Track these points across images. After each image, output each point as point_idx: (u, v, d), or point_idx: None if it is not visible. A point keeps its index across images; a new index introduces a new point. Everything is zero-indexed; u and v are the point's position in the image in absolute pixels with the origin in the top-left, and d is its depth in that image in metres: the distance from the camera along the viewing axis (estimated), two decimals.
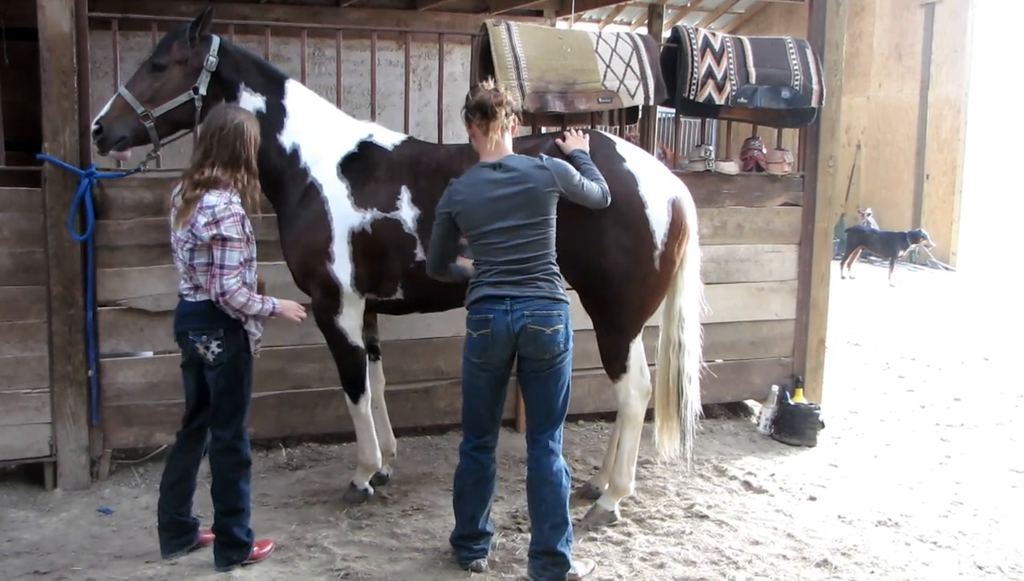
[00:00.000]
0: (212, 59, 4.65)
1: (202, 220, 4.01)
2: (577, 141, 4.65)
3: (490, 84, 4.24)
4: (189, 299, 4.19)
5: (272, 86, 4.81)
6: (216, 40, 4.71)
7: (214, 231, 4.00)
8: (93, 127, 4.68)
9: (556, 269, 4.17)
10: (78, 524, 4.82)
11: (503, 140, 4.18)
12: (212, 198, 4.04)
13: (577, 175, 4.26)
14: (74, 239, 5.01)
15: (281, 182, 4.79)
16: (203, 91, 4.65)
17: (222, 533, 4.27)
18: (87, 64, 5.11)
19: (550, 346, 4.06)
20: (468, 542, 4.33)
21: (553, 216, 4.15)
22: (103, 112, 4.62)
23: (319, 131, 4.84)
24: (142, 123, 4.61)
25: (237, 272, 4.06)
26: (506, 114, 4.16)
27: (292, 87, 4.88)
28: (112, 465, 5.44)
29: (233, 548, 4.27)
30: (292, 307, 4.35)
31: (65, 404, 5.15)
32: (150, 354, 5.45)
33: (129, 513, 4.95)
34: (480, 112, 4.12)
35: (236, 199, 4.10)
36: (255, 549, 4.35)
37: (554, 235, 4.17)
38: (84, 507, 5.01)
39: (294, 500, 5.09)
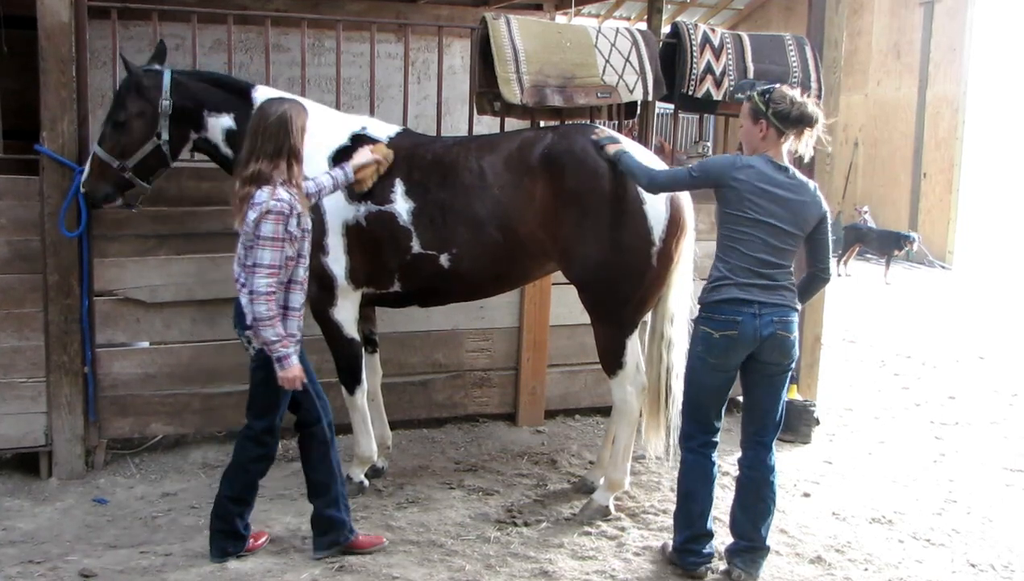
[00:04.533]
0: (166, 103, 4.66)
1: (252, 215, 3.96)
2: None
3: (812, 98, 4.19)
4: (241, 295, 4.12)
5: (238, 100, 4.80)
6: (167, 76, 4.69)
7: (256, 230, 3.95)
8: (81, 190, 4.82)
9: (794, 280, 4.21)
10: (73, 514, 4.82)
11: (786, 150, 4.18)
12: (262, 194, 3.97)
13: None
14: (65, 235, 4.99)
15: None
16: (166, 136, 4.70)
17: (222, 520, 4.25)
18: (86, 53, 5.09)
19: (792, 351, 4.17)
20: (695, 545, 4.29)
21: (804, 237, 4.19)
22: (85, 173, 4.77)
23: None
24: (122, 175, 4.74)
25: (268, 272, 3.94)
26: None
27: (261, 94, 4.83)
28: (107, 455, 5.44)
29: (230, 539, 4.27)
30: (293, 375, 4.05)
31: (61, 393, 5.14)
32: (146, 344, 5.45)
33: (124, 503, 4.95)
34: (800, 123, 4.08)
35: (284, 194, 3.99)
36: (250, 541, 4.35)
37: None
38: (79, 497, 5.01)
39: (290, 492, 5.09)
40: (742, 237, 4.09)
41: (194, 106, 4.76)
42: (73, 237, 5.00)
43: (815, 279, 4.35)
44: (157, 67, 4.77)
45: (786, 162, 4.16)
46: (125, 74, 4.72)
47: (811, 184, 4.20)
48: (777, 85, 4.23)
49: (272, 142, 4.01)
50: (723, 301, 4.12)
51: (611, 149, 4.59)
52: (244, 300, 4.06)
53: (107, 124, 4.75)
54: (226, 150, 4.84)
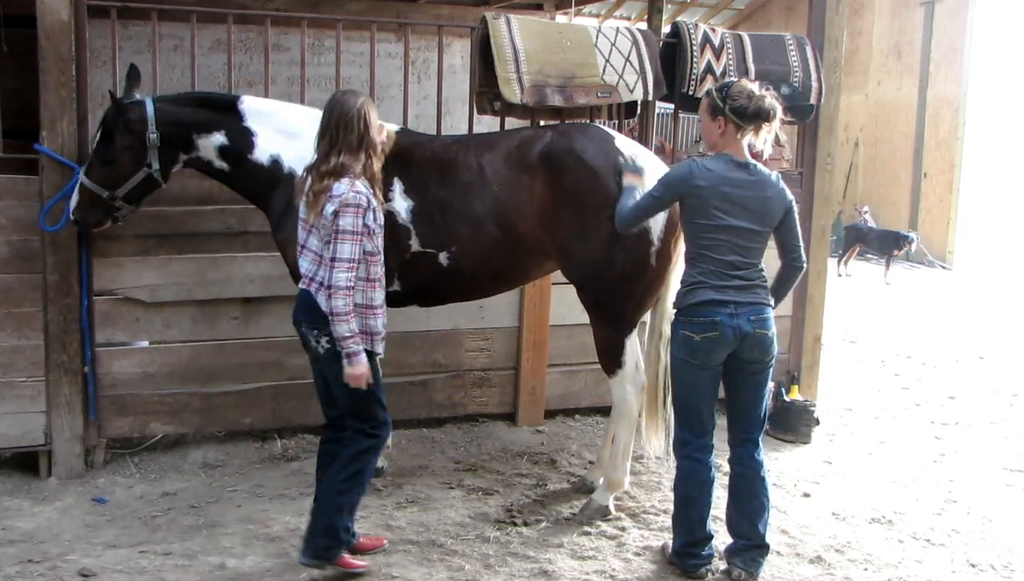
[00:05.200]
0: (153, 135, 4.63)
1: (329, 209, 3.89)
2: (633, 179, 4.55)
3: (759, 87, 4.14)
4: (309, 289, 4.04)
5: (225, 116, 4.78)
6: (149, 107, 4.64)
7: (335, 223, 3.88)
8: (71, 218, 4.81)
9: (766, 275, 4.22)
10: (72, 513, 4.81)
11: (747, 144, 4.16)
12: (341, 187, 3.91)
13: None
14: (44, 230, 4.97)
15: (267, 193, 4.80)
16: (156, 165, 4.70)
17: (324, 515, 4.08)
18: (85, 52, 5.09)
19: (772, 348, 4.17)
20: (695, 549, 4.28)
21: (772, 230, 4.19)
22: (73, 203, 4.76)
23: (297, 134, 4.79)
24: (112, 204, 4.76)
25: (348, 266, 3.89)
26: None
27: (248, 106, 4.82)
28: (107, 454, 5.43)
29: (329, 536, 4.07)
30: (360, 373, 3.97)
31: (60, 393, 5.14)
32: (145, 344, 5.44)
33: (124, 503, 4.95)
34: (757, 118, 4.05)
35: (362, 187, 3.96)
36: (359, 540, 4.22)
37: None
38: (78, 496, 5.00)
39: (289, 491, 5.08)
40: (711, 243, 4.10)
41: (182, 132, 4.73)
42: (53, 231, 4.98)
43: (790, 270, 4.31)
44: (138, 97, 4.72)
45: (747, 157, 4.14)
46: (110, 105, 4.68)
47: (773, 176, 4.17)
48: (735, 80, 4.20)
49: (355, 134, 3.97)
50: (699, 303, 4.12)
51: (627, 179, 4.51)
52: (322, 297, 3.97)
53: (95, 157, 4.72)
54: (220, 164, 4.83)
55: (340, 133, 3.97)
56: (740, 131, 4.09)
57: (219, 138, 4.76)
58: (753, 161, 4.15)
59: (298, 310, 4.12)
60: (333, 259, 3.90)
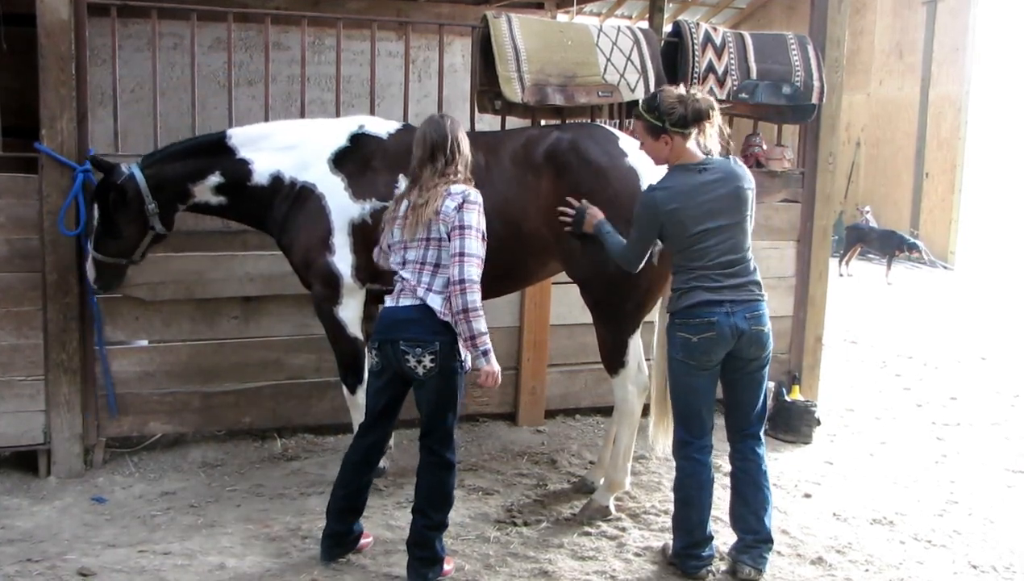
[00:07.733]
0: (151, 205, 4.68)
1: (451, 204, 3.86)
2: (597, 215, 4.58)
3: (685, 89, 4.16)
4: (402, 304, 3.96)
5: (217, 157, 4.78)
6: (139, 177, 4.65)
7: (460, 218, 3.85)
8: (94, 289, 4.92)
9: (756, 267, 4.21)
10: (71, 512, 4.80)
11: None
12: (458, 187, 3.92)
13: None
14: (65, 234, 4.97)
15: (270, 204, 4.81)
16: (160, 226, 4.76)
17: (422, 547, 4.05)
18: (85, 51, 5.08)
19: (768, 344, 4.18)
20: (696, 550, 4.25)
21: (750, 215, 4.17)
22: (92, 275, 4.80)
23: (293, 145, 4.82)
24: (127, 266, 4.86)
25: (477, 262, 3.85)
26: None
27: (238, 139, 4.81)
28: (106, 454, 5.43)
29: (429, 564, 4.05)
30: (497, 369, 3.95)
31: (59, 392, 5.13)
32: (145, 343, 5.43)
33: (123, 502, 4.94)
34: (699, 120, 4.05)
35: (475, 192, 3.98)
36: (446, 567, 4.14)
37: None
38: (78, 495, 5.00)
39: (289, 491, 5.08)
40: (699, 252, 4.09)
41: (177, 188, 4.76)
42: (72, 236, 4.99)
43: None
44: (125, 170, 4.68)
45: (700, 156, 4.12)
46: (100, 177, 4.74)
47: (731, 161, 4.16)
48: (658, 92, 4.20)
49: (460, 154, 3.99)
50: (694, 305, 4.10)
51: (590, 225, 4.53)
52: (435, 299, 3.90)
53: (101, 232, 4.73)
54: (218, 200, 4.85)
55: (456, 150, 3.97)
56: (687, 138, 4.09)
57: (215, 179, 4.78)
58: (707, 156, 4.13)
59: (393, 327, 3.95)
60: (461, 254, 3.83)
